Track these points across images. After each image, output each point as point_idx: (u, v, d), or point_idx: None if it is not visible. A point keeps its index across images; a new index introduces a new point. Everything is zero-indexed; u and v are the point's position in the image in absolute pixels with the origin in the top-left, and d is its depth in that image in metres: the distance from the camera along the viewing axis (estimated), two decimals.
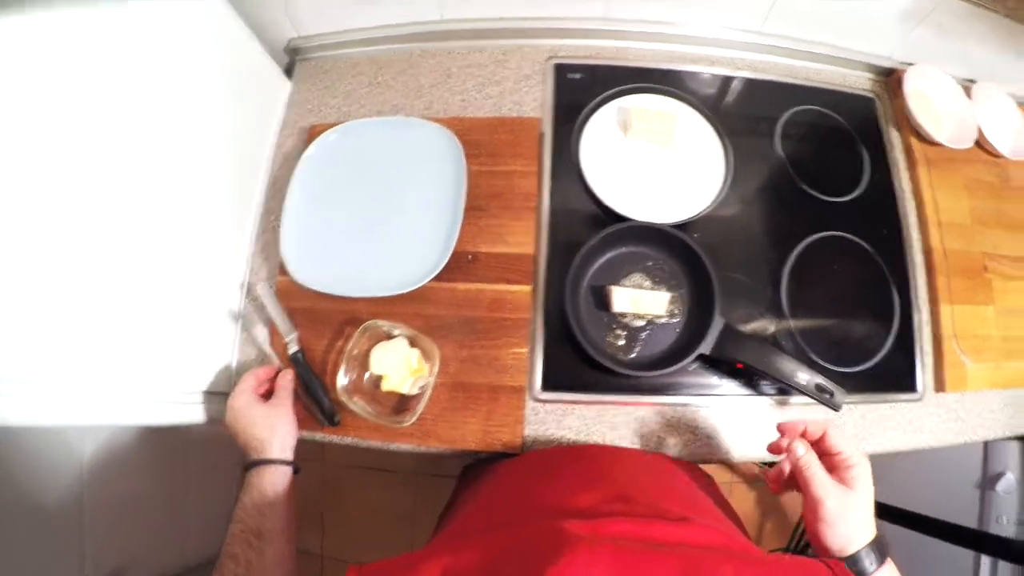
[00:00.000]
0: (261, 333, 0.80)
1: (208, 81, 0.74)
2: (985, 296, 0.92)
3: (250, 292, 0.81)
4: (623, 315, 0.78)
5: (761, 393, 0.78)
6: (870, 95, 0.97)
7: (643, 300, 0.77)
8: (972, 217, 0.95)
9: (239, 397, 0.70)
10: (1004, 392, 0.91)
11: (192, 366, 0.75)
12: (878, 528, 0.53)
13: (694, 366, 0.77)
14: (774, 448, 0.58)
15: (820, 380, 0.73)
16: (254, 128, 0.86)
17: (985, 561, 1.08)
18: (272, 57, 0.88)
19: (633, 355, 0.77)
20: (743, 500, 1.77)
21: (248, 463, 0.67)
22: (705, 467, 0.79)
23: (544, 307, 0.77)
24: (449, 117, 0.85)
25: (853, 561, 0.51)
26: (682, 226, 0.81)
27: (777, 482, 0.59)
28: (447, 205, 0.78)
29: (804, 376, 0.73)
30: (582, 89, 0.88)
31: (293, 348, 0.76)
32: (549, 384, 0.76)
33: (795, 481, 0.56)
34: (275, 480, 0.65)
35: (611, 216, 0.80)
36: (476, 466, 0.81)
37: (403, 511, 1.68)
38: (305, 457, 1.72)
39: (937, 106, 0.98)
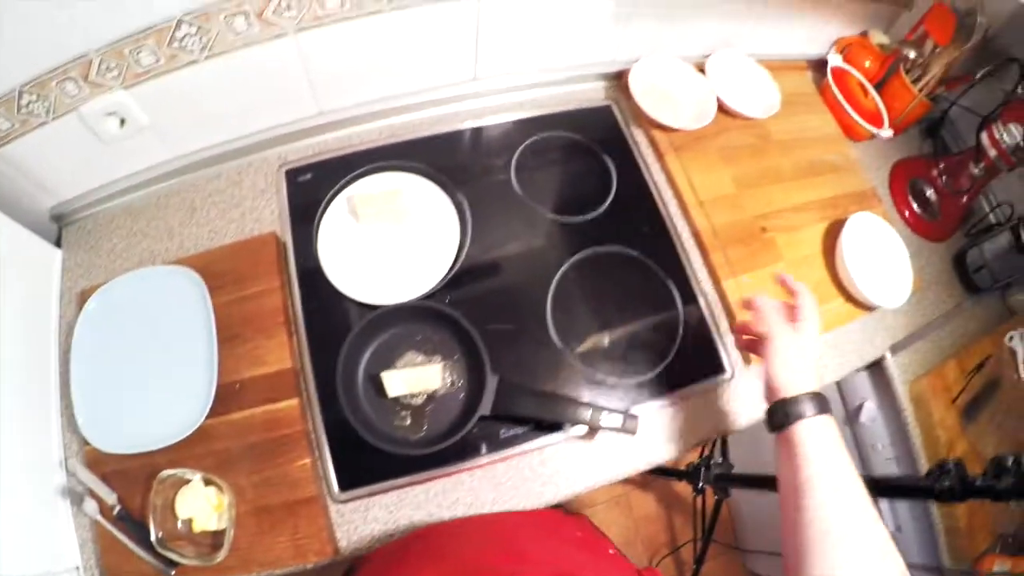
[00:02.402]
0: (90, 504, 0.83)
1: None
2: (771, 255, 0.95)
3: (68, 468, 0.85)
4: (403, 396, 0.79)
5: (563, 430, 0.79)
6: (607, 103, 0.99)
7: (415, 378, 0.78)
8: (737, 185, 0.98)
9: None
10: (826, 336, 0.93)
11: (36, 550, 0.78)
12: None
13: (479, 427, 0.77)
14: (744, 304, 0.74)
15: (604, 413, 0.74)
16: (33, 306, 0.88)
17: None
18: (35, 229, 0.90)
19: (422, 433, 0.78)
20: (643, 503, 1.81)
21: None
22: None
23: (322, 412, 0.79)
24: (198, 253, 0.87)
25: (796, 402, 0.59)
26: (435, 294, 0.83)
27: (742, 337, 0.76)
28: (204, 343, 0.80)
29: (586, 414, 0.74)
30: (314, 188, 0.89)
31: (117, 508, 0.79)
32: (345, 483, 0.77)
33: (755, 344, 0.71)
34: None
35: (363, 306, 0.82)
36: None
37: None
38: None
39: (672, 92, 1.00)
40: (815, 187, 1.02)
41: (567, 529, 0.76)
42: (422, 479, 0.78)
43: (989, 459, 0.67)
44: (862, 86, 1.11)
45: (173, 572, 0.76)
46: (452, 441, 0.75)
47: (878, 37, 1.15)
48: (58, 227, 0.97)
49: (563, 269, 0.87)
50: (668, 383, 0.84)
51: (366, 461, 0.77)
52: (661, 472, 1.44)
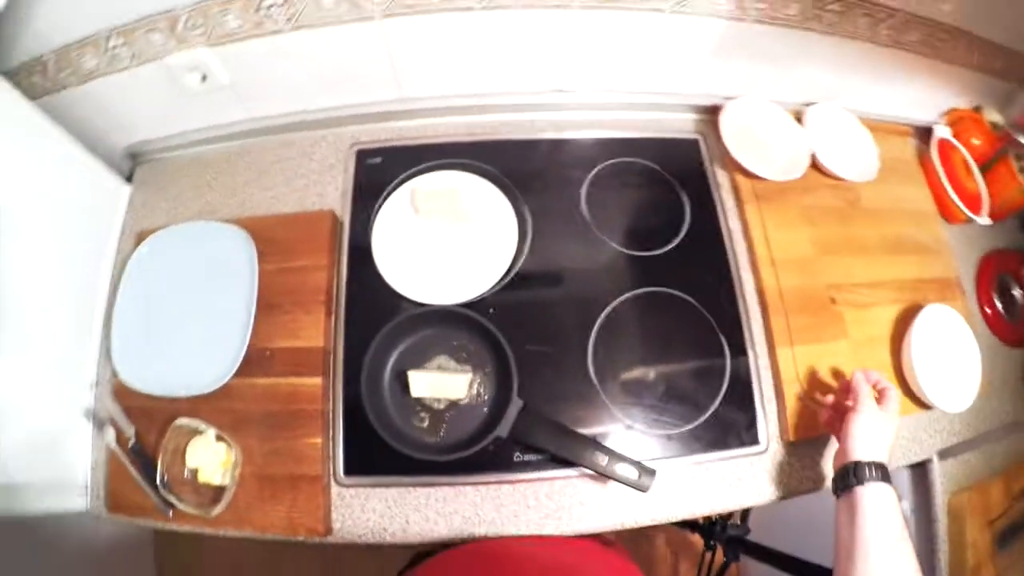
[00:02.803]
0: (109, 432, 0.85)
1: (46, 201, 0.80)
2: (836, 330, 0.88)
3: (96, 393, 0.88)
4: (426, 398, 0.78)
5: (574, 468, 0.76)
6: (694, 136, 0.95)
7: (440, 384, 0.77)
8: (816, 247, 0.92)
9: None
10: None
11: (52, 461, 0.80)
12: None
13: (494, 446, 0.75)
14: (842, 384, 0.78)
15: (620, 463, 0.71)
16: (96, 235, 0.91)
17: None
18: (112, 161, 0.94)
19: (438, 438, 0.77)
20: (653, 543, 1.77)
21: None
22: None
23: (344, 396, 0.79)
24: (255, 216, 0.89)
25: (863, 467, 0.64)
26: (479, 302, 0.81)
27: (828, 411, 0.77)
28: (244, 305, 0.81)
29: (602, 460, 0.71)
30: (381, 173, 0.89)
31: (132, 441, 0.82)
32: (351, 469, 0.77)
33: (835, 418, 0.74)
34: None
35: (407, 301, 0.81)
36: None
37: None
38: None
39: (764, 138, 0.94)
40: (897, 265, 0.94)
41: (614, 563, 0.75)
42: (426, 483, 0.77)
43: None
44: (966, 164, 1.02)
45: (170, 513, 0.78)
46: (464, 455, 0.73)
47: (991, 114, 1.06)
48: (132, 164, 1.00)
49: (615, 303, 0.84)
50: (697, 443, 0.80)
51: (376, 453, 0.76)
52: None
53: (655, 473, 0.71)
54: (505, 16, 0.81)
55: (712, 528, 1.17)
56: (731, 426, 0.81)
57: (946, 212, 1.01)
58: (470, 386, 0.79)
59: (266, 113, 0.93)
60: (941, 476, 0.89)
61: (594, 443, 0.72)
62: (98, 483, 0.82)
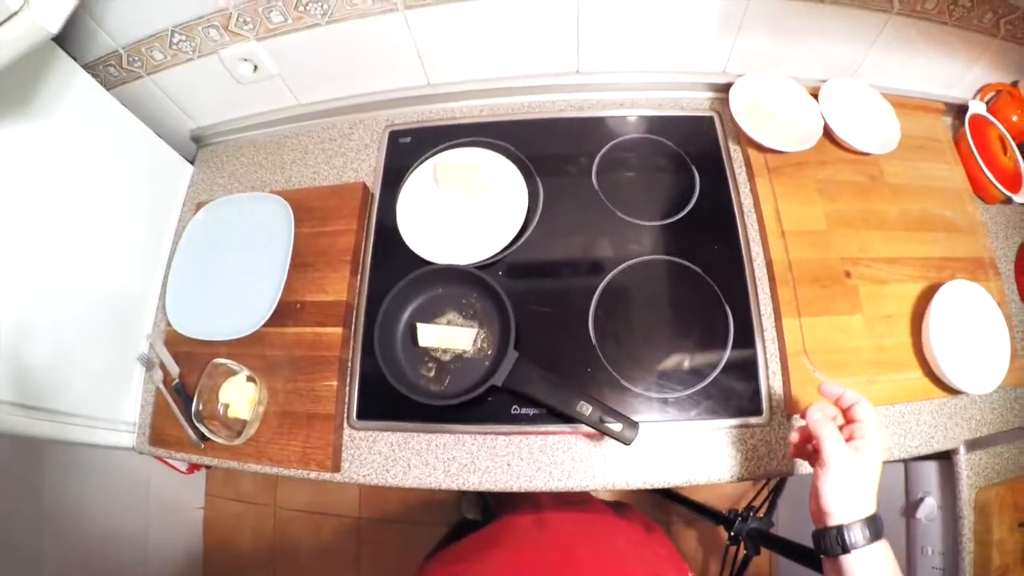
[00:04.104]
0: (157, 373, 0.96)
1: (120, 177, 0.94)
2: (849, 305, 0.87)
3: (151, 340, 0.99)
4: (433, 349, 0.84)
5: (571, 423, 0.79)
6: (710, 114, 0.98)
7: (446, 335, 0.83)
8: (829, 222, 0.91)
9: None
10: (892, 408, 0.84)
11: (111, 400, 0.91)
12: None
13: (494, 398, 0.80)
14: (801, 413, 0.64)
15: (606, 415, 0.72)
16: (161, 206, 1.05)
17: None
18: (177, 145, 1.08)
19: (442, 387, 0.82)
20: (683, 537, 1.75)
21: None
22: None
23: (363, 346, 0.86)
24: (299, 188, 0.99)
25: (846, 531, 0.54)
26: (487, 265, 0.87)
27: (795, 446, 0.66)
28: (280, 263, 0.91)
29: (587, 408, 0.73)
30: (410, 151, 0.98)
31: (175, 381, 0.92)
32: (363, 413, 0.84)
33: (807, 450, 0.63)
34: None
35: (423, 262, 0.88)
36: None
37: (349, 555, 1.82)
38: (258, 502, 1.98)
39: (778, 112, 0.95)
40: (922, 242, 0.91)
41: (653, 545, 0.77)
42: (428, 429, 0.82)
43: None
44: (1003, 141, 0.98)
45: (203, 445, 0.87)
46: (462, 399, 0.77)
47: None
48: (196, 147, 1.14)
49: (619, 269, 0.87)
50: (695, 409, 0.80)
51: (386, 399, 0.82)
52: (698, 509, 1.36)
53: (638, 427, 0.72)
54: (516, 1, 0.87)
55: (734, 519, 1.14)
56: (732, 394, 0.81)
57: (981, 191, 0.97)
58: (474, 341, 0.83)
59: (311, 100, 1.04)
60: (968, 468, 0.84)
61: (580, 393, 0.74)
62: (144, 422, 0.92)
